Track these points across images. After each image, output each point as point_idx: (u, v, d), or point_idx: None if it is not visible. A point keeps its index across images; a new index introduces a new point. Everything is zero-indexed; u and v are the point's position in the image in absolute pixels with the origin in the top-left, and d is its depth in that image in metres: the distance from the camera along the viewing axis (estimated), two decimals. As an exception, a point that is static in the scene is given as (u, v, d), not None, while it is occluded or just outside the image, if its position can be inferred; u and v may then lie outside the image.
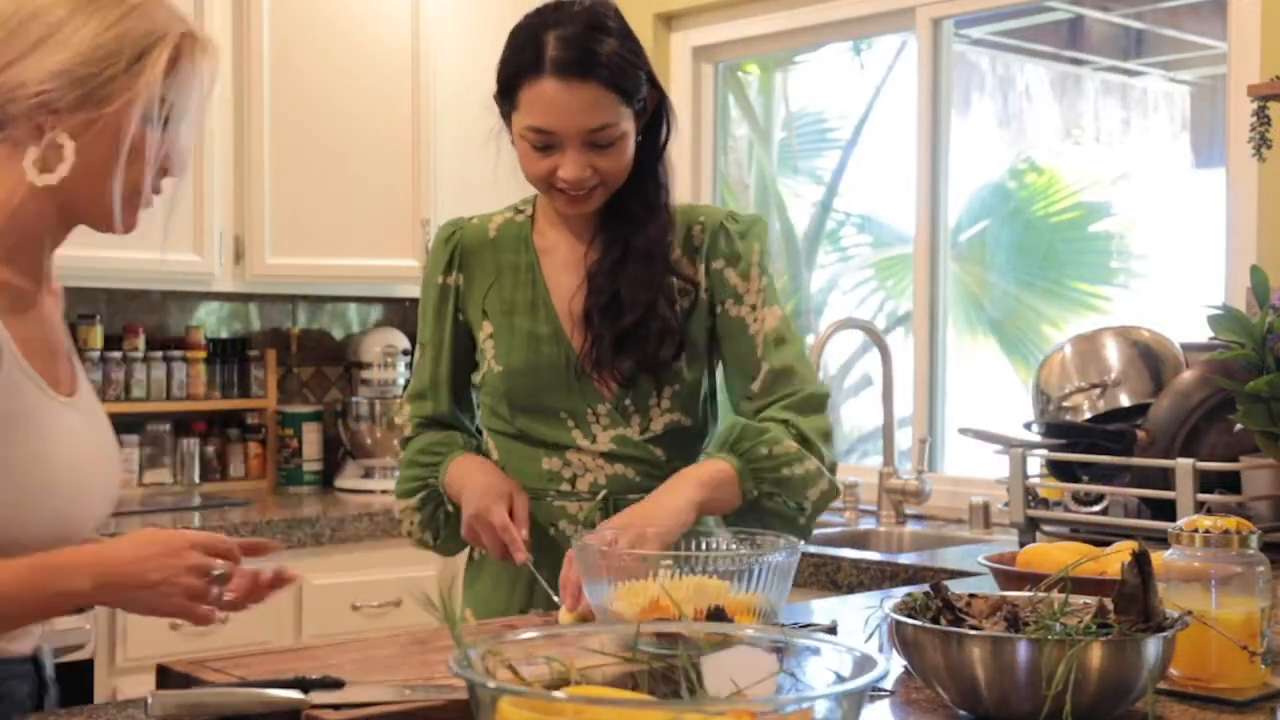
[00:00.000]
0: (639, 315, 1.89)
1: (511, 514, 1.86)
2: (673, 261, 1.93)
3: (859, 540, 3.42)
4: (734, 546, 1.64)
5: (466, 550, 2.07)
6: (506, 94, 1.89)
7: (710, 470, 1.84)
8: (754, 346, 1.94)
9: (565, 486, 1.96)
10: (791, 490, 1.86)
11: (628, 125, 1.86)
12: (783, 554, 1.53)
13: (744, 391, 1.96)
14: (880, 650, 1.62)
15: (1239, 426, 2.45)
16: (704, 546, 1.64)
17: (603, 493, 1.94)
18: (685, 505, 1.77)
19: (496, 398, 1.98)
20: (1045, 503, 2.93)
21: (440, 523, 1.99)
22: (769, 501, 1.86)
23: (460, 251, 2.02)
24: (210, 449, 3.97)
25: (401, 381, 4.13)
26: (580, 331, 1.94)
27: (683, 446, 1.97)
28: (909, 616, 1.42)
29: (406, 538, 2.03)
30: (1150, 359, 2.91)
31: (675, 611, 1.40)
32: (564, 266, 1.98)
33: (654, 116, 1.93)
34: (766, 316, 1.95)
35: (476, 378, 2.02)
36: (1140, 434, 2.76)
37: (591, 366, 1.91)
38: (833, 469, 1.92)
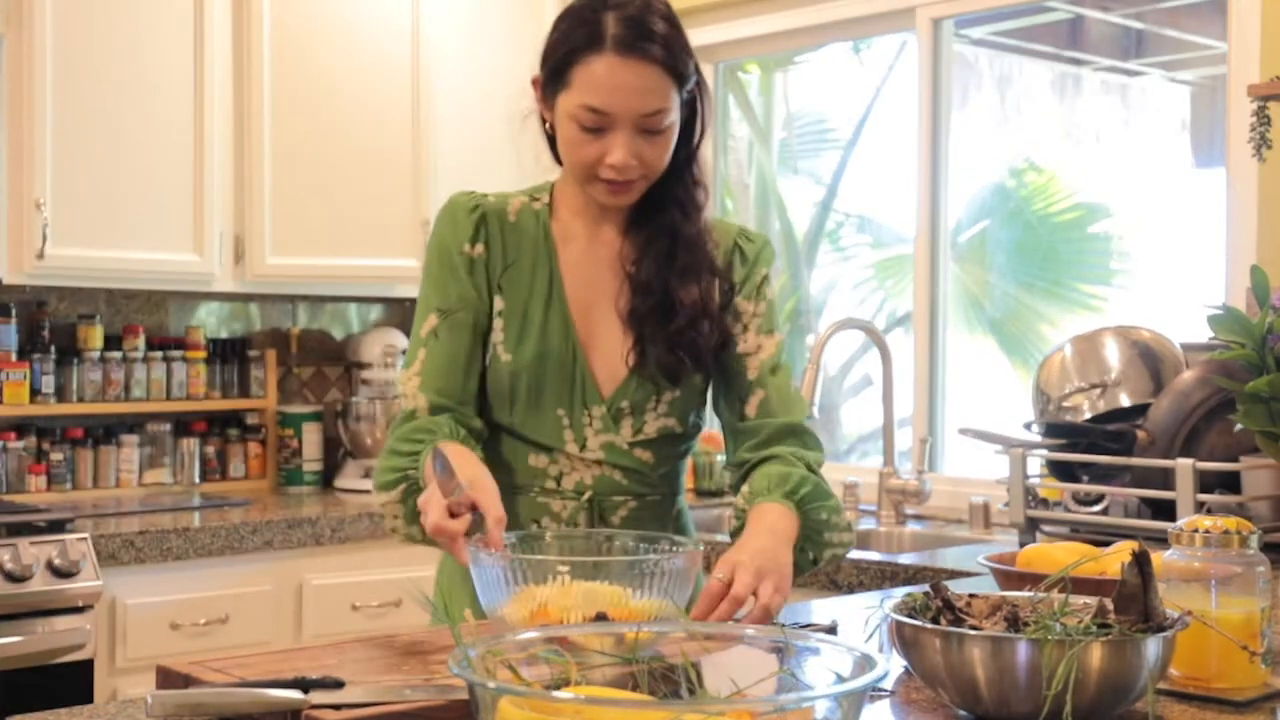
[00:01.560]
0: (692, 316, 1.89)
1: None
2: (713, 261, 1.93)
3: (859, 540, 3.42)
4: (634, 547, 1.62)
5: None
6: (558, 72, 1.83)
7: (792, 527, 1.78)
8: (746, 369, 1.94)
9: (550, 484, 1.93)
10: (820, 549, 1.85)
11: (676, 114, 1.84)
12: (681, 560, 1.50)
13: (737, 413, 1.95)
14: (880, 650, 1.62)
15: (1239, 426, 2.45)
16: (604, 551, 1.62)
17: (587, 494, 1.92)
18: (789, 563, 1.72)
19: (499, 385, 1.94)
20: (1045, 503, 2.93)
21: None
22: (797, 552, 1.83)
23: (484, 224, 1.97)
24: (210, 449, 3.97)
25: (401, 381, 4.13)
26: (600, 324, 1.93)
27: (669, 450, 1.96)
28: (909, 616, 1.42)
29: (391, 534, 1.87)
30: (1150, 359, 2.91)
31: (561, 618, 1.39)
32: (582, 260, 1.96)
33: (689, 116, 1.91)
34: (764, 344, 1.95)
35: (488, 355, 1.96)
36: (1140, 434, 2.76)
37: (644, 370, 1.90)
38: (850, 537, 1.90)
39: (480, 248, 1.97)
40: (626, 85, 1.78)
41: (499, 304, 1.95)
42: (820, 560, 1.87)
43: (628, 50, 1.78)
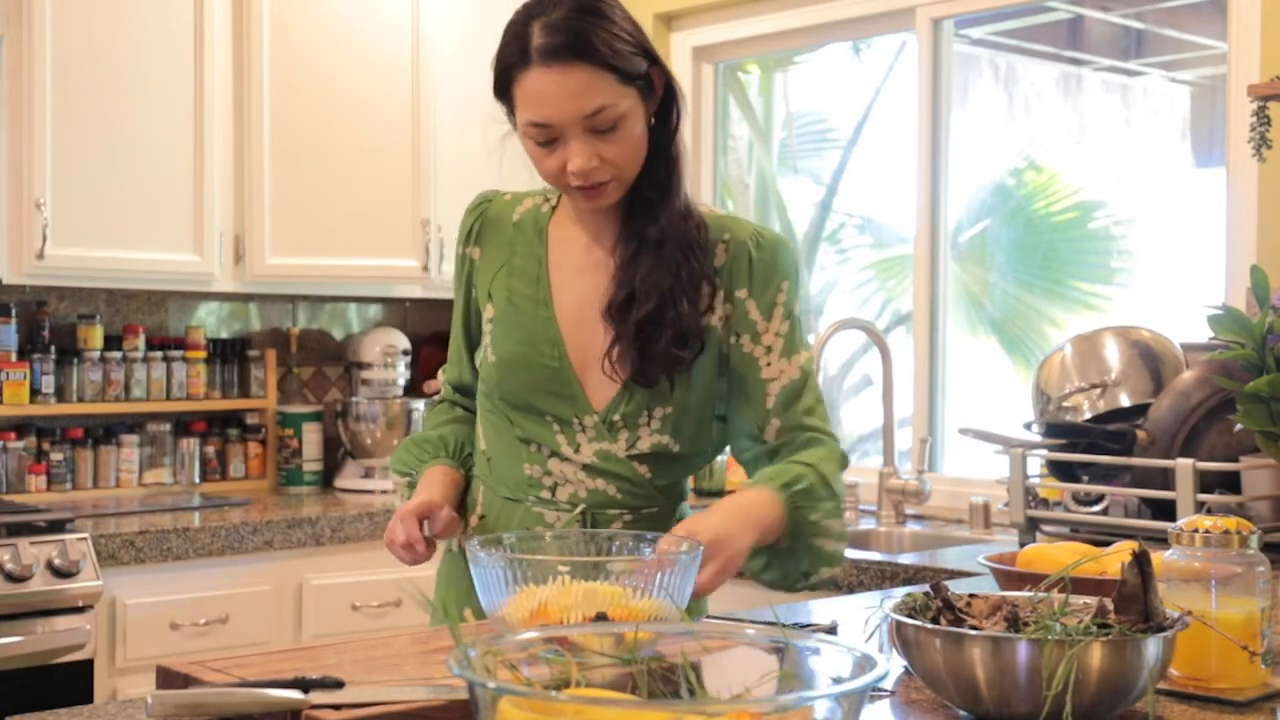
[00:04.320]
0: (652, 307, 1.83)
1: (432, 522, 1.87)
2: (690, 249, 1.86)
3: (859, 540, 3.42)
4: (634, 547, 1.60)
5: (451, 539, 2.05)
6: (503, 93, 1.85)
7: (768, 514, 1.76)
8: (766, 394, 1.88)
9: (545, 494, 1.91)
10: (810, 559, 1.82)
11: (628, 105, 1.78)
12: (682, 561, 1.49)
13: (752, 435, 1.90)
14: (880, 650, 1.62)
15: (1239, 426, 2.45)
16: (604, 551, 1.61)
17: (580, 506, 1.89)
18: (746, 549, 1.72)
19: (490, 386, 1.94)
20: (1045, 503, 2.93)
21: None
22: (785, 554, 1.81)
23: (482, 225, 2.00)
24: (210, 449, 3.97)
25: (402, 382, 4.14)
26: (592, 333, 1.89)
27: (669, 466, 1.91)
28: (909, 616, 1.42)
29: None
30: (1150, 359, 2.91)
31: (561, 618, 1.39)
32: (575, 267, 1.93)
33: (664, 100, 1.87)
34: (786, 368, 1.89)
35: (478, 358, 1.99)
36: (1140, 434, 2.76)
37: (610, 364, 1.86)
38: (842, 548, 1.87)
39: (475, 249, 2.01)
40: (559, 93, 1.76)
41: (489, 311, 1.96)
42: (813, 574, 1.83)
43: (552, 58, 1.75)
